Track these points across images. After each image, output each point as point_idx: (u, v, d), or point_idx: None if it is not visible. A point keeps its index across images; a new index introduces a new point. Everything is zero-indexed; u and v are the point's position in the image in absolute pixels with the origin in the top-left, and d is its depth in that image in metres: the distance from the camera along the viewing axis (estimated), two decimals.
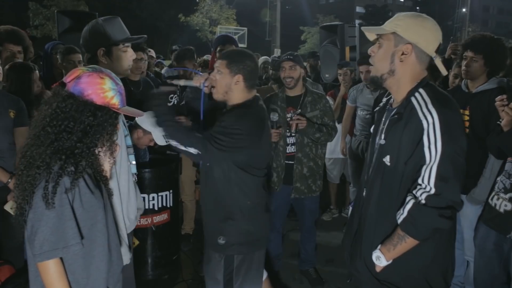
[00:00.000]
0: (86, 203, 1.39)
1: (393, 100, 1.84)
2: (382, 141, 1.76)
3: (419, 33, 1.67)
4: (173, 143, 2.05)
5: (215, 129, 2.08)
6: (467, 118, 2.88)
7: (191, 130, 2.11)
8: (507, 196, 2.32)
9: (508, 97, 2.37)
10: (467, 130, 2.88)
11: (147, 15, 31.32)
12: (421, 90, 1.69)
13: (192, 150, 2.03)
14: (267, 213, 2.33)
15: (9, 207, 2.58)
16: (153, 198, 3.18)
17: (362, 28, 1.87)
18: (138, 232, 3.22)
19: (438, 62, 1.72)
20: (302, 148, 3.23)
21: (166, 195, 3.25)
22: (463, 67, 2.83)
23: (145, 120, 2.23)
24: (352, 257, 1.91)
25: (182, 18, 29.33)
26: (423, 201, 1.59)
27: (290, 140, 3.25)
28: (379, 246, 1.73)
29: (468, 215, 2.79)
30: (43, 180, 1.34)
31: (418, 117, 1.62)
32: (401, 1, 55.24)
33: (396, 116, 1.71)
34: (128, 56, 2.20)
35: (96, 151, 1.45)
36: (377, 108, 1.98)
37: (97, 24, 2.16)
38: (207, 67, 4.66)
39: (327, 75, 6.06)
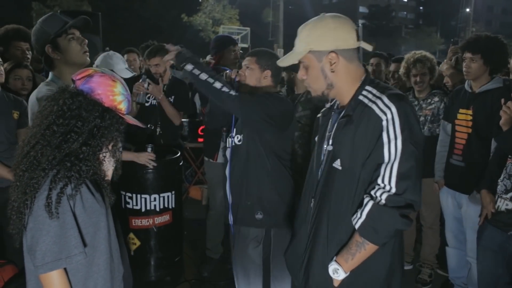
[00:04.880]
0: (89, 209, 1.33)
1: (339, 103, 1.72)
2: (330, 147, 1.64)
3: (332, 36, 1.58)
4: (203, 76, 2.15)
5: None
6: (470, 118, 2.87)
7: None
8: (508, 195, 2.32)
9: (506, 96, 2.36)
10: (470, 130, 2.88)
11: (150, 15, 31.34)
12: (368, 87, 1.60)
13: (225, 89, 2.14)
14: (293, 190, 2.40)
15: None
16: (155, 199, 3.17)
17: (278, 62, 1.78)
18: (139, 233, 3.22)
19: (364, 44, 1.69)
20: None
21: (168, 196, 3.23)
22: (464, 69, 2.86)
23: None
24: (305, 278, 1.71)
25: (185, 18, 29.34)
26: (383, 201, 1.47)
27: None
28: (334, 258, 1.57)
29: (471, 216, 2.78)
30: (46, 185, 1.27)
31: (376, 114, 1.51)
32: (405, 1, 54.86)
33: (344, 118, 1.60)
34: (78, 42, 2.14)
35: (101, 156, 1.40)
36: (321, 113, 1.86)
37: (36, 26, 2.16)
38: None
39: None
